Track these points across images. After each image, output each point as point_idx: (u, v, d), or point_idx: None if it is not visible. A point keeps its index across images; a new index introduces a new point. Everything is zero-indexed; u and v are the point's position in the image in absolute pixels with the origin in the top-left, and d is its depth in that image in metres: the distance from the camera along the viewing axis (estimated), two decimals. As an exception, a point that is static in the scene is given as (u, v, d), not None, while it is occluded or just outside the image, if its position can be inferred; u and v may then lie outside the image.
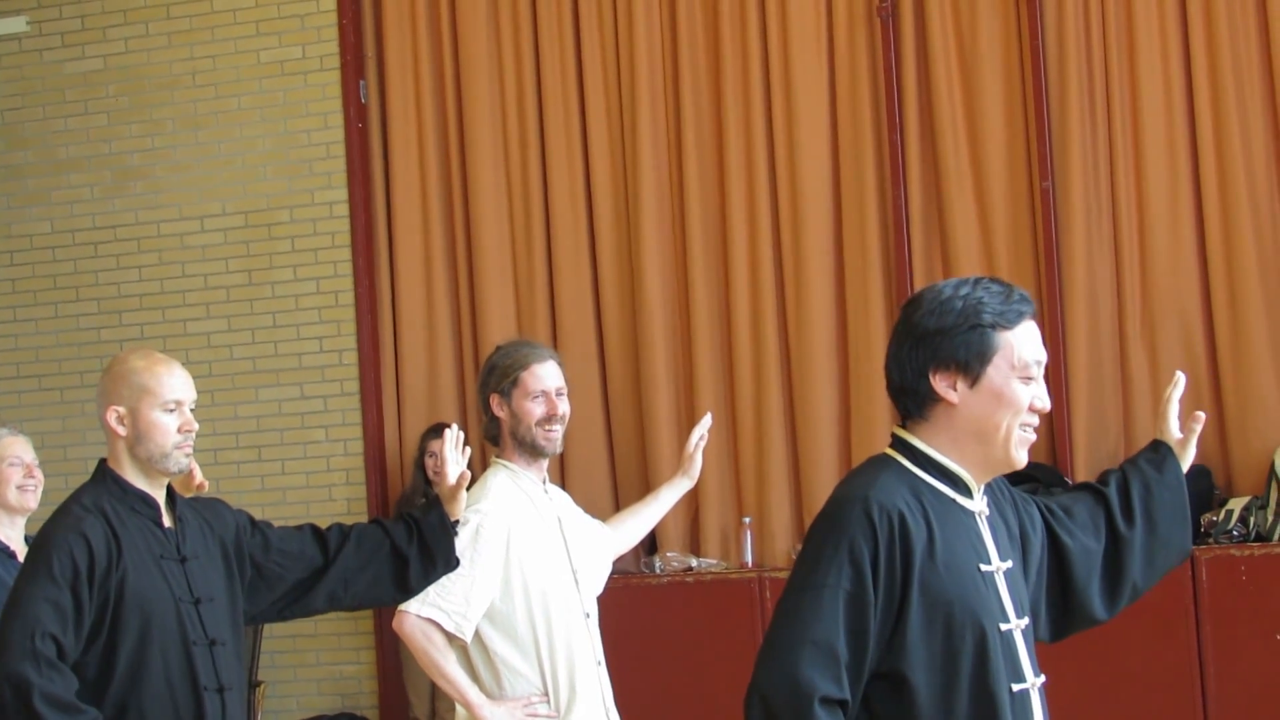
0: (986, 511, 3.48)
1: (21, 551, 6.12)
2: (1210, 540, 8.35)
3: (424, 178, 10.07)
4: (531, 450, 5.24)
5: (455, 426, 4.76)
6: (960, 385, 3.39)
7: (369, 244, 10.17)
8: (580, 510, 5.52)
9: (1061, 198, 9.04)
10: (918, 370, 3.42)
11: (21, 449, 6.20)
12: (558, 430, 5.26)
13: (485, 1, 9.91)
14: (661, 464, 9.42)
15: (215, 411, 10.22)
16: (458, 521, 4.74)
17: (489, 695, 5.11)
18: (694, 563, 9.28)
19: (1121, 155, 9.03)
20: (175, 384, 4.49)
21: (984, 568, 3.39)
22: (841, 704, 3.27)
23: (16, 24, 10.75)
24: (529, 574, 5.13)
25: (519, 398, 5.23)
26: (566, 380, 5.39)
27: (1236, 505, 8.44)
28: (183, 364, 10.41)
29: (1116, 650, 8.02)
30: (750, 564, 9.22)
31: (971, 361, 3.37)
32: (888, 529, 3.31)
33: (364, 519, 9.77)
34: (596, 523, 5.61)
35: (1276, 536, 8.24)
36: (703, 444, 5.72)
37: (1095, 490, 3.85)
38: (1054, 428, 9.05)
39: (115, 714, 4.34)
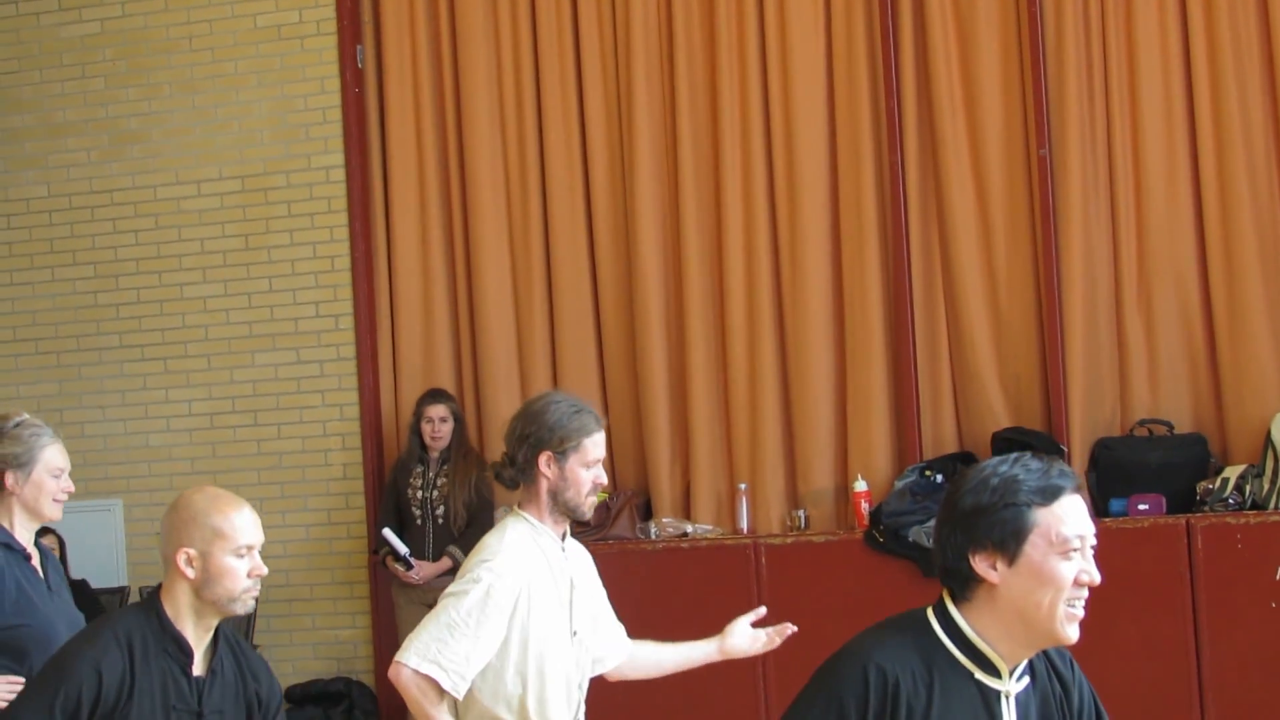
0: (1016, 690, 3.47)
1: (34, 556, 6.06)
2: (1206, 508, 8.37)
3: (420, 142, 10.11)
4: (569, 514, 5.13)
5: None
6: (1000, 565, 3.37)
7: (365, 209, 10.21)
8: (596, 578, 5.40)
9: (1058, 165, 9.09)
10: (958, 552, 3.40)
11: (65, 459, 6.01)
12: (593, 501, 5.19)
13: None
14: (656, 433, 9.50)
15: (212, 376, 10.39)
16: None
17: None
18: (689, 528, 9.31)
19: (1119, 122, 9.06)
20: (247, 529, 4.39)
21: None
22: None
23: (13, -13, 10.75)
24: (530, 635, 5.05)
25: (576, 464, 5.07)
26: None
27: (1232, 473, 8.46)
28: (179, 328, 10.52)
29: (1112, 619, 8.04)
30: (745, 530, 9.27)
31: (1008, 540, 3.36)
32: (880, 694, 3.35)
33: (359, 483, 10.02)
34: (616, 625, 5.47)
35: (1273, 504, 8.26)
36: (758, 642, 5.55)
37: None
38: (1050, 395, 9.14)
39: None
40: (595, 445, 5.08)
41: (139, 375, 10.55)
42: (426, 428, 9.29)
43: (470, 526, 9.10)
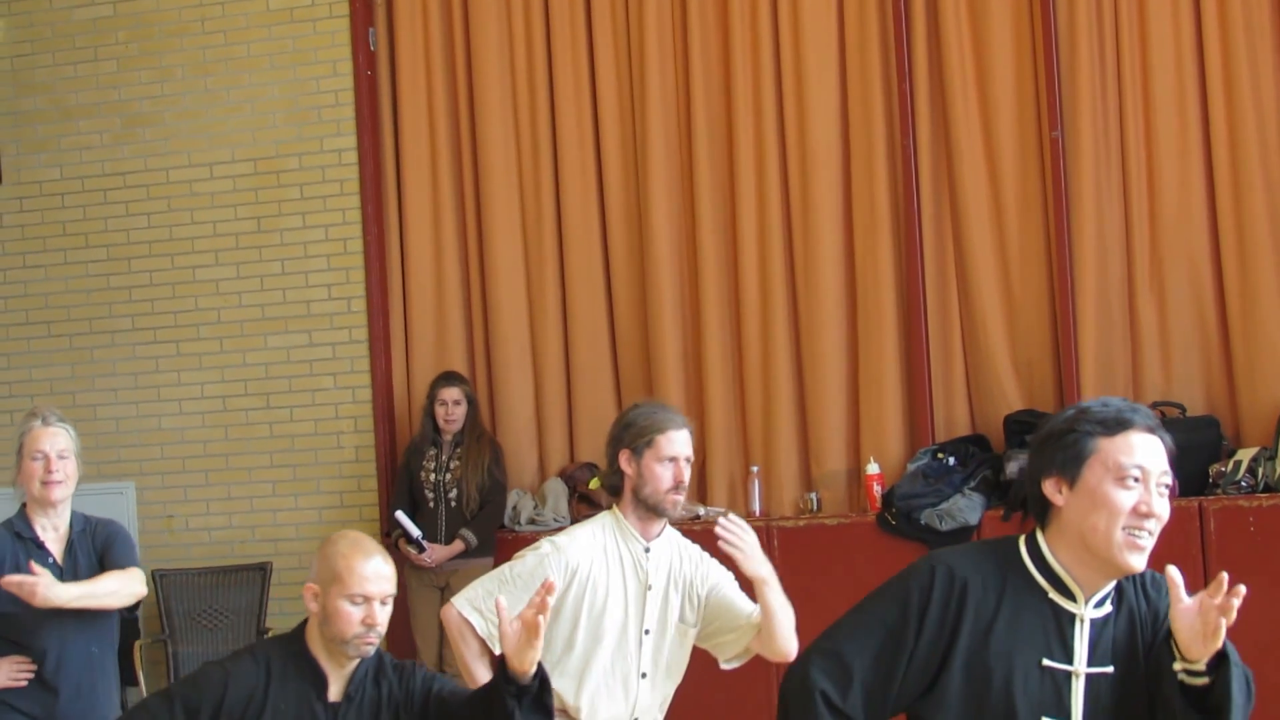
0: (1093, 616, 3.61)
1: (57, 545, 6.06)
2: (1219, 491, 8.37)
3: (433, 125, 10.12)
4: (652, 512, 5.32)
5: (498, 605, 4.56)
6: (1064, 488, 3.57)
7: (378, 191, 10.22)
8: (712, 580, 5.48)
9: (1071, 147, 9.09)
10: (1034, 478, 3.62)
11: (47, 441, 6.11)
12: (682, 497, 5.33)
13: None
14: None
15: (224, 359, 10.42)
16: (534, 685, 4.55)
17: None
18: (701, 511, 9.29)
19: (1131, 104, 9.06)
20: (366, 579, 4.50)
21: (1048, 663, 3.58)
22: (844, 714, 3.56)
23: (27, -31, 10.78)
24: (582, 616, 5.26)
25: (650, 459, 5.28)
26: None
27: (1245, 456, 8.45)
28: (191, 310, 10.49)
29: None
30: (758, 512, 9.30)
31: (1069, 464, 3.55)
32: (946, 591, 3.57)
33: (371, 466, 9.98)
34: (747, 609, 5.50)
35: None
36: (726, 543, 5.46)
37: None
38: (1062, 377, 9.16)
39: None
40: (669, 441, 5.27)
41: (151, 358, 10.57)
42: (440, 410, 9.31)
43: (483, 509, 9.17)
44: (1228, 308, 8.88)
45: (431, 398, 9.39)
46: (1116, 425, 3.58)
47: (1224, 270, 8.96)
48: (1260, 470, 8.43)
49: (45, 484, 6.03)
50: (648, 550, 5.36)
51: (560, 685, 5.25)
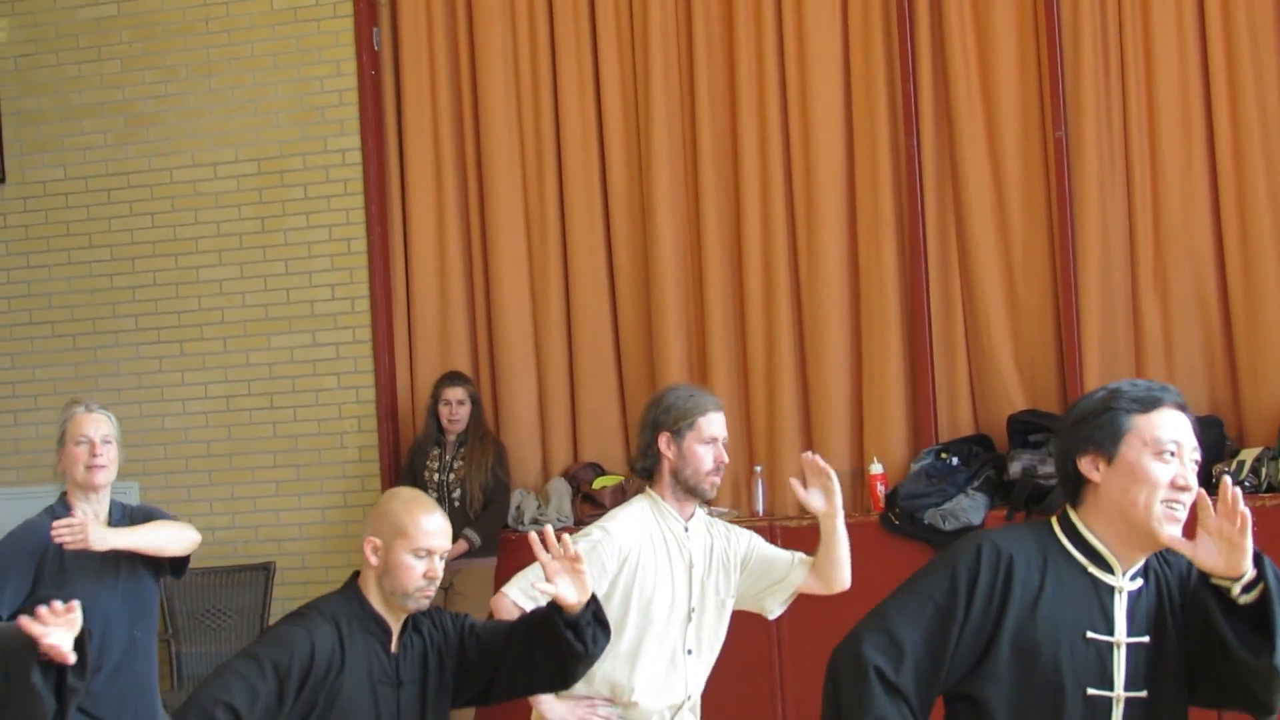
0: (1130, 588, 3.76)
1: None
2: (1222, 491, 8.37)
3: (436, 125, 10.14)
4: (691, 493, 5.45)
5: (539, 532, 4.77)
6: (1101, 465, 3.73)
7: (381, 191, 10.25)
8: (746, 549, 5.67)
9: (1074, 147, 9.12)
10: (1069, 456, 3.77)
11: (91, 427, 6.29)
12: (718, 478, 5.47)
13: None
14: None
15: (228, 359, 10.46)
16: (588, 615, 4.81)
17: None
18: (705, 511, 9.35)
19: (1135, 105, 9.08)
20: (429, 534, 4.69)
21: (1092, 635, 3.71)
22: (898, 690, 3.66)
23: (31, -31, 10.81)
24: (632, 600, 5.38)
25: (692, 441, 5.42)
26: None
27: (1248, 456, 8.49)
28: (195, 310, 10.50)
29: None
30: (761, 512, 9.34)
31: (1106, 441, 3.72)
32: (993, 566, 3.69)
33: (375, 466, 9.99)
34: (785, 558, 5.73)
35: None
36: (816, 492, 5.69)
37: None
38: (1065, 374, 9.20)
39: None
40: (710, 423, 5.41)
41: (155, 358, 10.59)
42: (444, 410, 9.34)
43: (486, 509, 9.22)
44: (1231, 308, 8.89)
45: (435, 397, 9.42)
46: (1150, 402, 3.73)
47: (1228, 270, 8.98)
48: (1264, 470, 8.48)
49: (89, 468, 6.17)
50: (687, 529, 5.49)
51: (613, 670, 5.39)
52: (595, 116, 9.89)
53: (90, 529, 5.92)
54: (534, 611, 4.93)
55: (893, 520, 9.02)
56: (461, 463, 9.23)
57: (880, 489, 9.15)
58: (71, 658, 4.32)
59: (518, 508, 9.50)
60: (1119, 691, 3.72)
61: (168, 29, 10.63)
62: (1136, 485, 3.69)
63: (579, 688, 5.35)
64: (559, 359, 9.95)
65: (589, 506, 9.27)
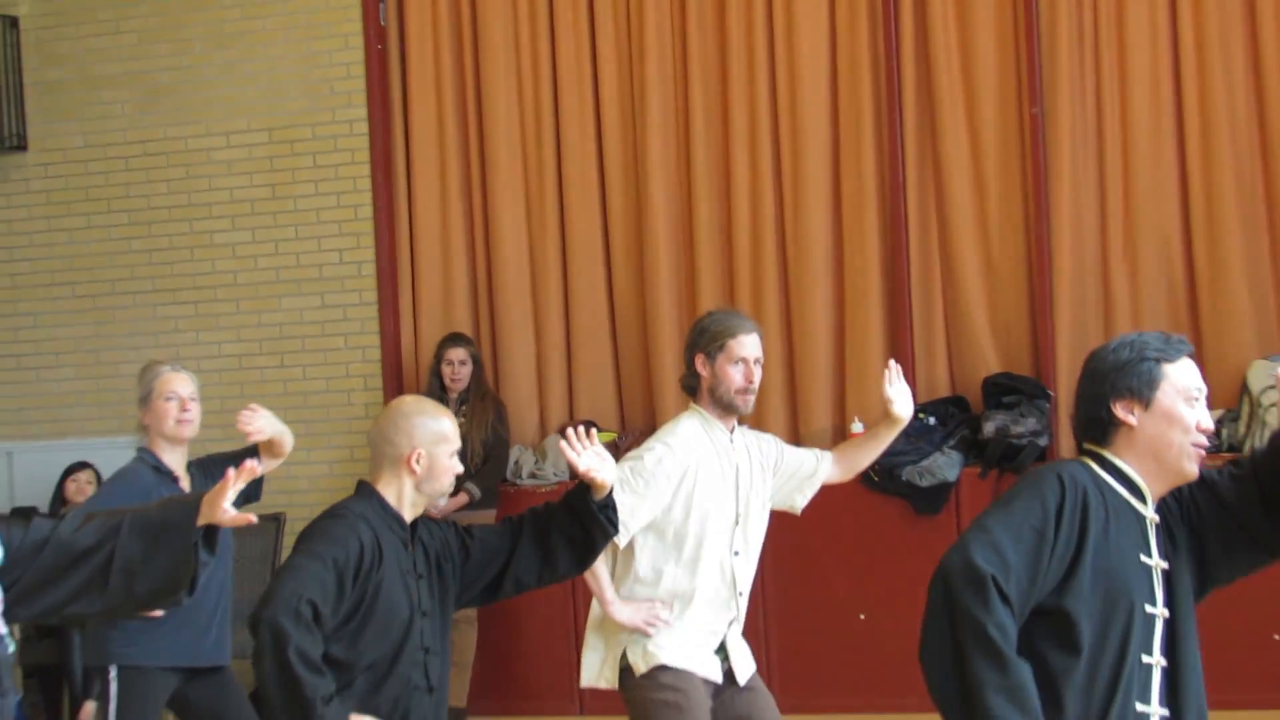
0: (1157, 520, 3.98)
1: (184, 478, 6.46)
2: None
3: (440, 96, 10.09)
4: (726, 409, 5.66)
5: (571, 430, 4.97)
6: (1137, 410, 3.94)
7: (387, 160, 10.19)
8: (777, 453, 5.94)
9: (1050, 124, 9.10)
10: (1101, 402, 3.98)
11: (179, 384, 6.56)
12: (752, 396, 5.68)
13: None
14: (663, 374, 9.55)
15: (240, 320, 10.43)
16: (609, 499, 5.01)
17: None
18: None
19: (1108, 84, 9.10)
20: (458, 436, 4.97)
21: (1144, 559, 3.92)
22: (1008, 599, 3.76)
23: (51, -54, 10.65)
24: (692, 507, 5.58)
25: (723, 362, 5.64)
26: (764, 351, 5.80)
27: (1211, 418, 8.50)
28: (209, 273, 10.32)
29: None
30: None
31: (1143, 388, 3.94)
32: (1075, 495, 3.86)
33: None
34: (807, 456, 6.03)
35: (1248, 447, 8.39)
36: (900, 393, 6.03)
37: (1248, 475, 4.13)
38: (1038, 344, 9.21)
39: (355, 690, 4.77)
40: (740, 345, 5.63)
41: (171, 318, 10.59)
42: (446, 370, 9.35)
43: (486, 463, 9.20)
44: (1196, 279, 8.94)
45: (438, 358, 9.43)
46: (1176, 353, 3.99)
47: (1194, 243, 9.02)
48: (1224, 431, 8.55)
49: (179, 422, 6.48)
50: (731, 441, 5.70)
51: (676, 577, 5.61)
52: (592, 88, 9.84)
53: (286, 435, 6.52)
54: (551, 503, 5.07)
55: (872, 477, 9.02)
56: (463, 420, 9.11)
57: (861, 446, 9.14)
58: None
59: (516, 462, 9.54)
60: (1160, 609, 3.93)
61: (183, 4, 10.63)
62: (1172, 428, 3.92)
63: (640, 591, 5.62)
64: (556, 322, 9.91)
65: (583, 462, 9.24)
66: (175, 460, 6.46)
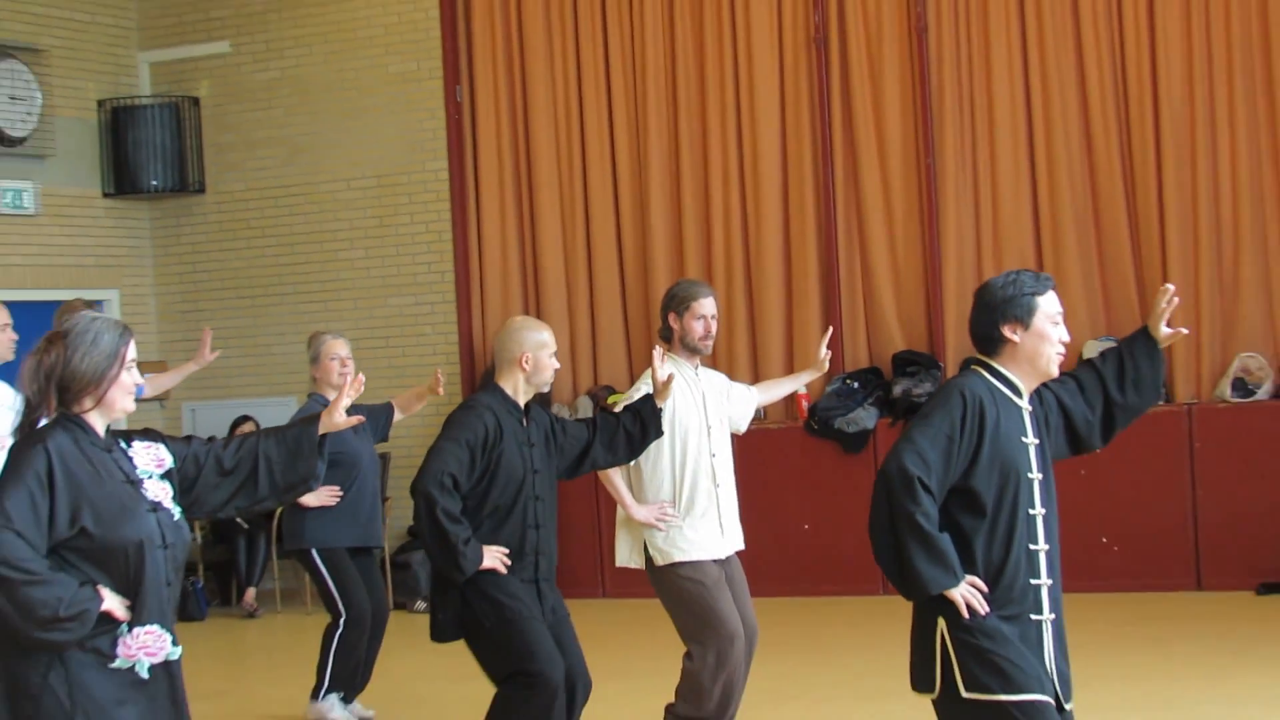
0: (1030, 408, 4.16)
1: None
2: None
3: (499, 153, 10.53)
4: (691, 351, 5.83)
5: (656, 350, 5.43)
6: (1019, 330, 4.08)
7: (462, 198, 10.60)
8: (727, 385, 6.10)
9: (940, 171, 9.79)
10: (994, 323, 4.11)
11: (340, 348, 6.77)
12: (709, 342, 5.86)
13: (545, 47, 10.51)
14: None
15: (357, 314, 10.93)
16: (660, 410, 5.44)
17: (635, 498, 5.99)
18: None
19: (982, 141, 9.78)
20: (554, 341, 5.20)
21: (1023, 439, 4.11)
22: (930, 491, 3.97)
23: (222, 46, 11.13)
24: (676, 425, 5.73)
25: (688, 318, 5.76)
26: (719, 309, 5.97)
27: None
28: (334, 280, 10.88)
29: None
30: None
31: (1024, 315, 4.08)
32: (974, 403, 4.03)
33: (458, 388, 10.61)
34: (744, 389, 6.22)
35: None
36: (827, 354, 6.28)
37: (1099, 367, 4.35)
38: (933, 328, 9.83)
39: (482, 536, 5.01)
40: (701, 305, 5.77)
41: (307, 313, 10.86)
42: None
43: None
44: None
45: None
46: (1044, 287, 4.11)
47: (1043, 252, 9.64)
48: None
49: (342, 375, 6.66)
50: (696, 373, 5.87)
51: (670, 482, 5.70)
52: (608, 145, 10.23)
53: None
54: (627, 406, 5.35)
55: (812, 426, 9.61)
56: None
57: (804, 404, 9.69)
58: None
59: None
60: (1036, 474, 4.08)
61: (317, 87, 11.03)
62: (1043, 344, 4.03)
63: (651, 495, 5.70)
64: (584, 315, 10.35)
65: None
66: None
